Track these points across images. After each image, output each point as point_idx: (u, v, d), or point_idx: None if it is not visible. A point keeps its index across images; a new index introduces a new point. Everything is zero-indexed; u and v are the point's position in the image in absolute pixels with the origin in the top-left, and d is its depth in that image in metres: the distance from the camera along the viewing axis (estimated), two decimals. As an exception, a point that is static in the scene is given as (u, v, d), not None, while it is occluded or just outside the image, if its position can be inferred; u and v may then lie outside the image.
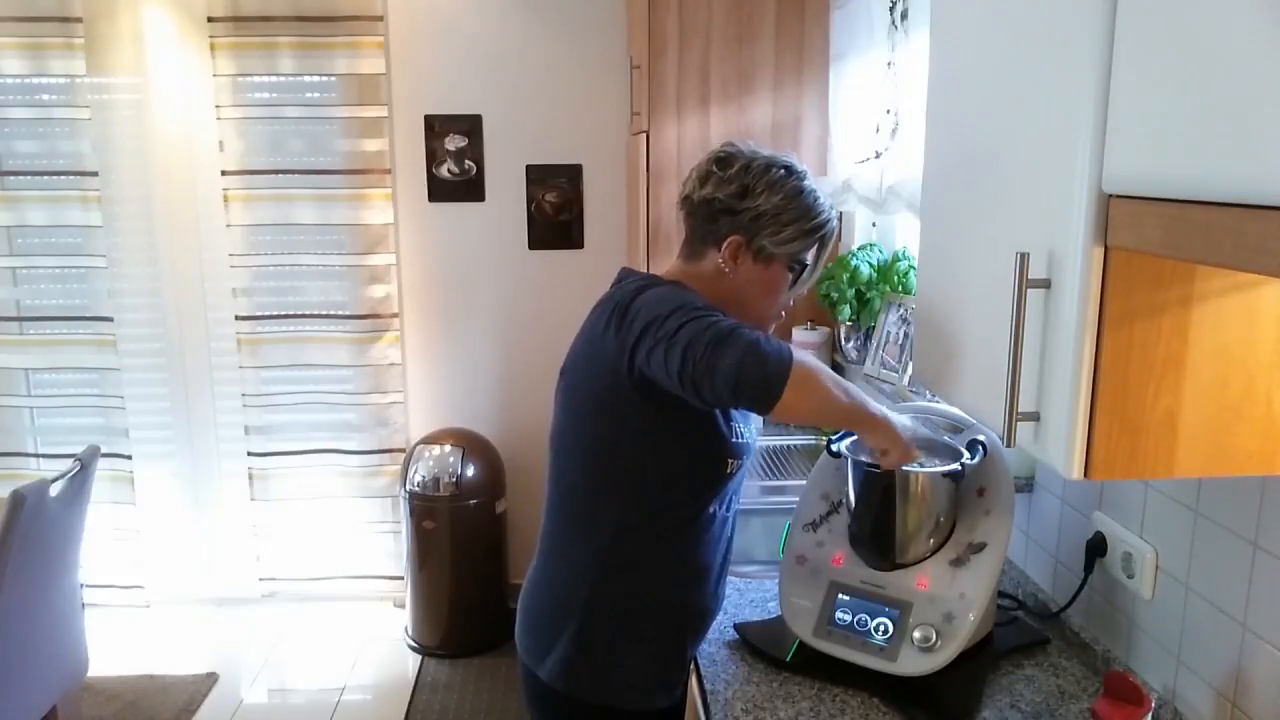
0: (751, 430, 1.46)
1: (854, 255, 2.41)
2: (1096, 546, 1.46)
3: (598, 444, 1.38)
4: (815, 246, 1.42)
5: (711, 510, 1.41)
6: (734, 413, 1.41)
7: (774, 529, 2.06)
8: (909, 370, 2.09)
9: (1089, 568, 1.47)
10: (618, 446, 1.37)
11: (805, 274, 1.44)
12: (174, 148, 3.37)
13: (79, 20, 3.25)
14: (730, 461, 1.39)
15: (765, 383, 1.17)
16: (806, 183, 1.40)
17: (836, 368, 2.76)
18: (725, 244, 1.39)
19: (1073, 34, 0.86)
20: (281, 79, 3.38)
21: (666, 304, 1.27)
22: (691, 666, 1.52)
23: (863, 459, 1.43)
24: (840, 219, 1.50)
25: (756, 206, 1.37)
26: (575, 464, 1.42)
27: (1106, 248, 0.85)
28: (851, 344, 2.50)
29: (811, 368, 1.21)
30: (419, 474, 3.32)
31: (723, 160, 1.41)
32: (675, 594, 1.42)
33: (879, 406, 1.30)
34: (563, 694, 1.42)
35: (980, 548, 1.38)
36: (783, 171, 1.39)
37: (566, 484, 1.43)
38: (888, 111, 2.23)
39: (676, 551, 1.40)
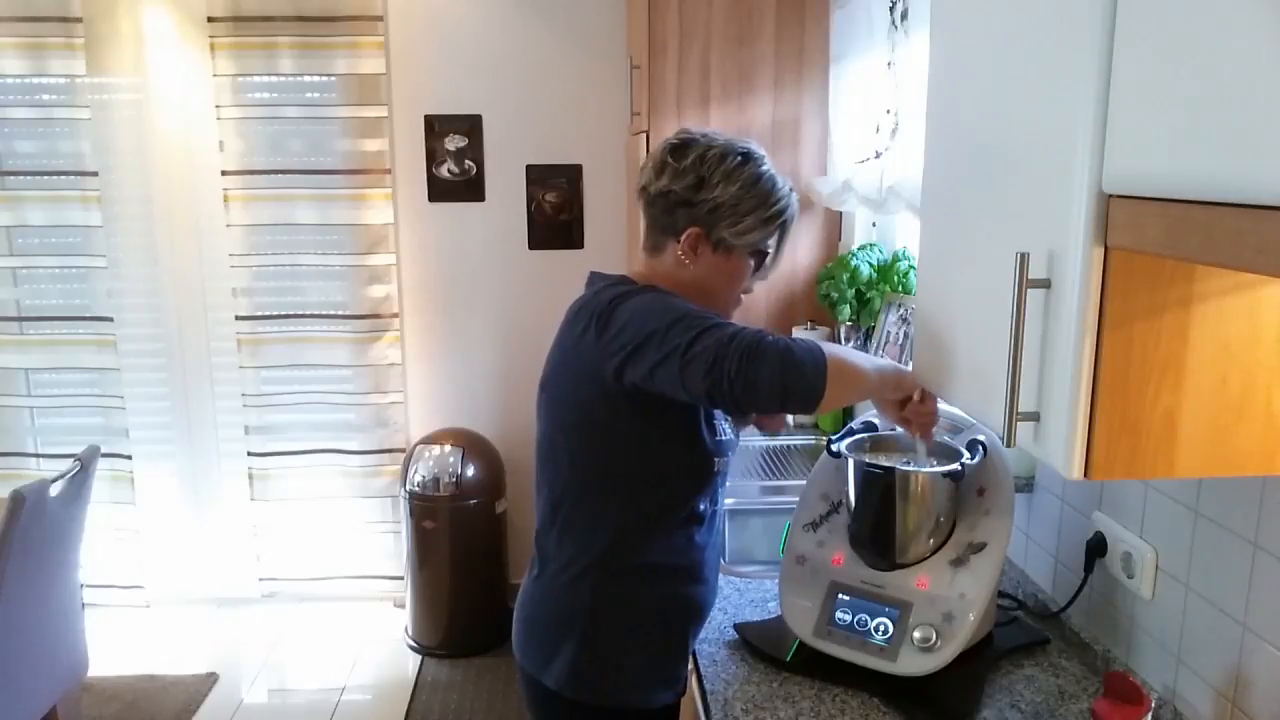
0: (732, 425, 1.47)
1: (854, 255, 2.41)
2: (1096, 546, 1.46)
3: (588, 453, 1.37)
4: (776, 234, 1.40)
5: (702, 508, 1.42)
6: (715, 412, 1.41)
7: (774, 529, 2.06)
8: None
9: (1089, 568, 1.47)
10: (609, 454, 1.36)
11: (768, 261, 1.43)
12: (174, 148, 3.37)
13: (79, 20, 3.25)
14: (716, 460, 1.40)
15: (809, 389, 1.18)
16: (764, 168, 1.37)
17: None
18: (683, 236, 1.37)
19: (1073, 34, 0.86)
20: (281, 79, 3.37)
21: (661, 315, 1.25)
22: (691, 662, 1.52)
23: (863, 459, 1.43)
24: (800, 202, 1.49)
25: (713, 198, 1.34)
26: (566, 473, 1.40)
27: (1106, 248, 0.85)
28: (851, 344, 2.50)
29: (842, 359, 1.23)
30: (419, 474, 3.32)
31: (677, 149, 1.38)
32: (676, 590, 1.42)
33: (891, 363, 1.33)
34: (570, 699, 1.41)
35: (980, 548, 1.38)
36: (739, 159, 1.36)
37: (558, 493, 1.42)
38: (888, 111, 2.23)
39: (673, 550, 1.40)
